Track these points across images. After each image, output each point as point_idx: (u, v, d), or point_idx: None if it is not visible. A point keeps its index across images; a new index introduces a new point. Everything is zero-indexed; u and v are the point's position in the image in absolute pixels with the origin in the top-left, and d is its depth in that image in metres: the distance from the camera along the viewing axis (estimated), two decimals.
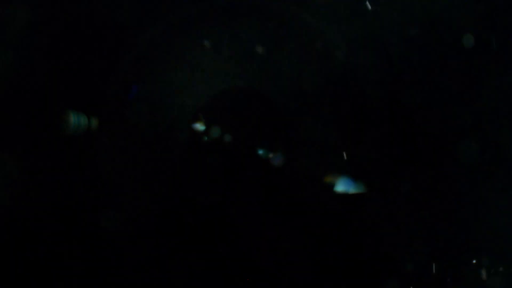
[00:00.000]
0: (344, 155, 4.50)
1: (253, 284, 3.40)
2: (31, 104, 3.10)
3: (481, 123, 3.01)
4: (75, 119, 3.61)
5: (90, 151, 4.05)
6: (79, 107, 3.65)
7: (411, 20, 3.30)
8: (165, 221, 4.32)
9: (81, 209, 3.64)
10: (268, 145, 5.13)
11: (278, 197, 4.82)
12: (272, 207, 4.64)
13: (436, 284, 3.00)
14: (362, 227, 3.97)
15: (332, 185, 4.60)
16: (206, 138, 5.11)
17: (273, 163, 5.00)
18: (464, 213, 3.16)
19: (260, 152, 5.17)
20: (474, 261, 2.64)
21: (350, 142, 4.69)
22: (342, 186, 4.55)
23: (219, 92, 5.01)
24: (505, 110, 2.82)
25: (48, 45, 3.19)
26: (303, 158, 5.02)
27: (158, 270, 3.62)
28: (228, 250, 4.02)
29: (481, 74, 2.95)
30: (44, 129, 3.28)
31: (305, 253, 3.84)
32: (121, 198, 4.33)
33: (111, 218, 3.91)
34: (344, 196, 4.47)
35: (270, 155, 5.07)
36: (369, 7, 3.46)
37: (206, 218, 4.35)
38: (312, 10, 4.31)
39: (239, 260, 3.83)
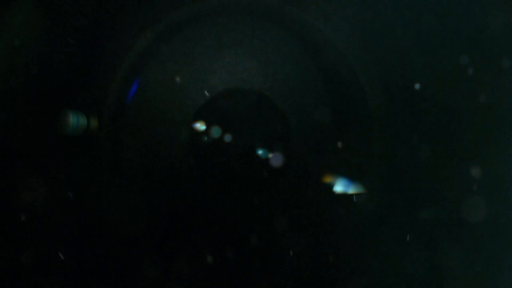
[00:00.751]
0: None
1: (253, 284, 3.41)
2: (30, 104, 3.10)
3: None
4: (75, 119, 3.61)
5: (90, 151, 4.04)
6: (79, 107, 3.64)
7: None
8: (165, 221, 4.33)
9: (81, 209, 3.65)
10: (268, 145, 5.14)
11: (278, 197, 4.84)
12: (271, 207, 4.66)
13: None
14: (361, 227, 3.99)
15: (331, 185, 4.61)
16: (206, 138, 5.11)
17: (273, 163, 5.01)
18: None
19: (260, 152, 5.18)
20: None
21: (349, 143, 4.71)
22: (341, 186, 4.56)
23: (219, 92, 5.02)
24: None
25: (47, 45, 3.18)
26: (303, 158, 5.03)
27: (158, 270, 3.62)
28: (227, 250, 4.03)
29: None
30: (43, 129, 3.27)
31: (304, 252, 3.85)
32: (120, 199, 4.33)
33: (111, 218, 3.92)
34: (343, 196, 4.49)
35: (270, 155, 5.08)
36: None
37: (206, 218, 4.36)
38: (312, 11, 4.32)
39: (237, 260, 3.84)
